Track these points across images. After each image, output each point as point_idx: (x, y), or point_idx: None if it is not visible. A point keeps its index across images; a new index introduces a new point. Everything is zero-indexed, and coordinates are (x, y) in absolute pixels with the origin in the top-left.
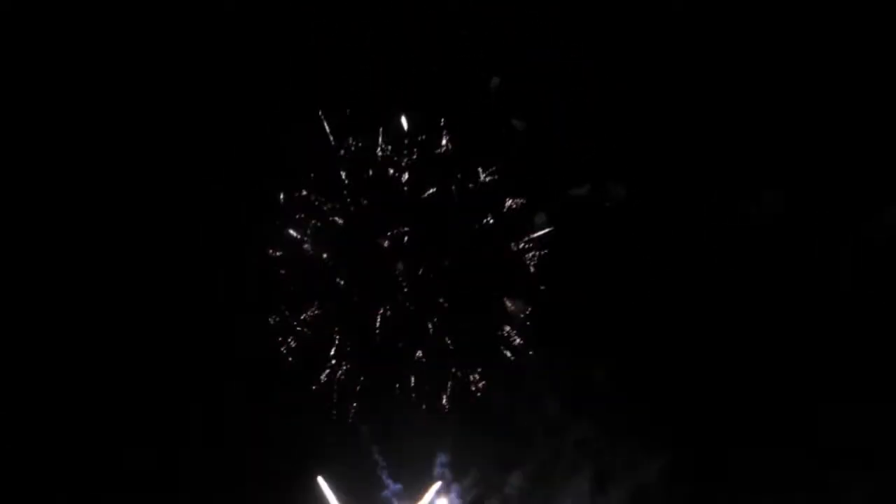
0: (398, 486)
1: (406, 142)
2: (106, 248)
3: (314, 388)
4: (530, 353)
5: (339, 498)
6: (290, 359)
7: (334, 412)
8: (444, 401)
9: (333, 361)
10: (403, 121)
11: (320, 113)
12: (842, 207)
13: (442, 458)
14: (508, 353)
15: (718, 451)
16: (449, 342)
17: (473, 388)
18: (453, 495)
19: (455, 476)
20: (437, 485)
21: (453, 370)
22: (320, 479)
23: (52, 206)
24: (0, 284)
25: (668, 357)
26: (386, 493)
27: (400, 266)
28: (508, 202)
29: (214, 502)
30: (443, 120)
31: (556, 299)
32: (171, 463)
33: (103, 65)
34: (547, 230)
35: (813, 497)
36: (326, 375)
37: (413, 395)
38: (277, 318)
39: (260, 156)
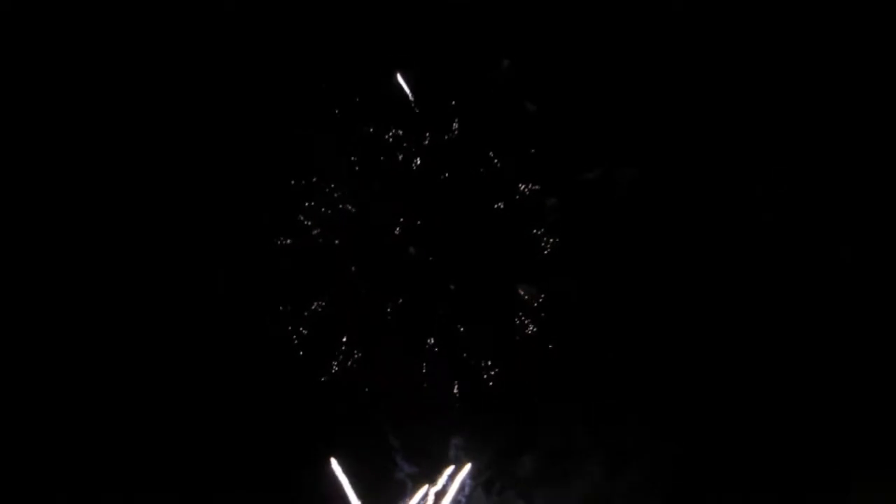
0: (414, 469)
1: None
2: (111, 238)
3: (323, 379)
4: (549, 346)
5: (352, 481)
6: (301, 352)
7: (346, 410)
8: (455, 389)
9: (344, 348)
10: (401, 80)
11: (322, 82)
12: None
13: (456, 441)
14: (521, 337)
15: (732, 439)
16: (461, 328)
17: (486, 376)
18: (467, 477)
19: (469, 458)
20: (452, 467)
21: (464, 355)
22: (333, 462)
23: (63, 199)
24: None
25: (684, 343)
26: (400, 474)
27: (412, 250)
28: (522, 187)
29: (226, 487)
30: (454, 102)
31: (569, 286)
32: (180, 451)
33: (111, 60)
34: (556, 214)
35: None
36: (338, 363)
37: (424, 383)
38: (289, 307)
39: (267, 143)
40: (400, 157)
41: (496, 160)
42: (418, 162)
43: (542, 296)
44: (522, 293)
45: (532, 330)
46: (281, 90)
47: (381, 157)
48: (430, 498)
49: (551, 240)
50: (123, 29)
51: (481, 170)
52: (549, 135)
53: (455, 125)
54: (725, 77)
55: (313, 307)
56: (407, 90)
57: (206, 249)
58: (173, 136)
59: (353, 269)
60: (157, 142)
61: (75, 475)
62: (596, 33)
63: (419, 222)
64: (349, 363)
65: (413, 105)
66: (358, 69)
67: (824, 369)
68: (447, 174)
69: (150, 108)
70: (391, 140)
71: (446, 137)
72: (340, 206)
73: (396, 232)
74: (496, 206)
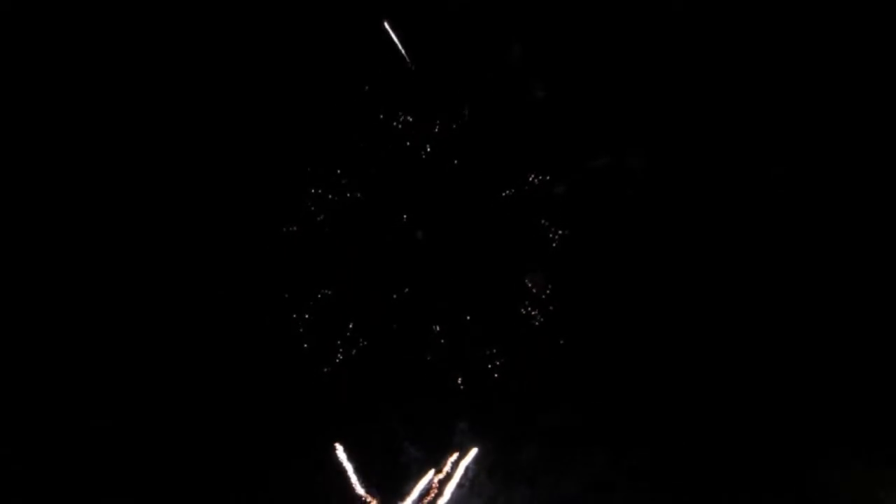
0: (419, 454)
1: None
2: (117, 228)
3: (326, 370)
4: (555, 337)
5: (357, 466)
6: (307, 339)
7: (351, 397)
8: (459, 381)
9: (349, 335)
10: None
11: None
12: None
13: (461, 427)
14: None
15: (736, 429)
16: (468, 317)
17: (490, 366)
18: (472, 462)
19: (474, 444)
20: (457, 453)
21: (470, 344)
22: (338, 448)
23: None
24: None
25: (689, 333)
26: (406, 460)
27: (419, 234)
28: (531, 178)
29: (233, 475)
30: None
31: (577, 278)
32: (186, 441)
33: (117, 49)
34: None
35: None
36: (343, 351)
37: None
38: (294, 295)
39: (274, 130)
40: (408, 144)
41: (505, 147)
42: (428, 149)
43: (549, 286)
44: (529, 284)
45: (539, 321)
46: (287, 79)
47: (389, 145)
48: (435, 483)
49: (560, 232)
50: (125, 20)
51: (490, 157)
52: (559, 121)
53: (465, 111)
54: (737, 62)
55: (319, 296)
56: (397, 42)
57: (212, 238)
58: (179, 126)
59: (359, 256)
60: (163, 130)
61: (88, 467)
62: (606, 16)
63: (427, 209)
64: (354, 351)
65: (409, 62)
66: (363, 55)
67: (832, 368)
68: (455, 161)
69: (154, 99)
70: (400, 126)
71: (454, 126)
72: (348, 193)
73: (404, 218)
74: (504, 193)
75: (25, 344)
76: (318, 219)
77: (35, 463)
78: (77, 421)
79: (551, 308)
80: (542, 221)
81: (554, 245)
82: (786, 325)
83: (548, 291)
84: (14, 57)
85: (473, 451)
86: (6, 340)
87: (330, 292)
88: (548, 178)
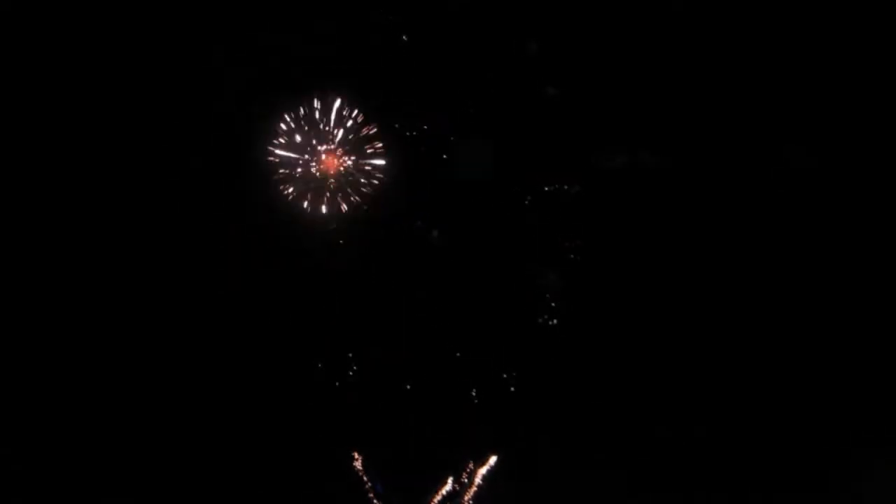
0: (435, 461)
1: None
2: (121, 227)
3: (341, 380)
4: (573, 343)
5: (375, 473)
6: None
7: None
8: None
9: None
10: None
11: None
12: None
13: (480, 428)
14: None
15: (759, 431)
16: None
17: (505, 375)
18: (490, 467)
19: (493, 449)
20: (475, 458)
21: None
22: (355, 455)
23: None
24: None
25: (712, 336)
26: (423, 466)
27: (434, 233)
28: (547, 188)
29: (248, 485)
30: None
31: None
32: (196, 448)
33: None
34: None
35: None
36: (356, 361)
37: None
38: (310, 303)
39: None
40: (422, 149)
41: (516, 148)
42: (443, 156)
43: (564, 289)
44: (545, 290)
45: (553, 323)
46: (290, 78)
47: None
48: (454, 489)
49: (575, 234)
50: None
51: (501, 158)
52: (571, 120)
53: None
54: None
55: (334, 303)
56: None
57: (214, 243)
58: (183, 125)
59: (374, 261)
60: (165, 129)
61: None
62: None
63: (440, 212)
64: (368, 360)
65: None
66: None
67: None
68: (468, 164)
69: (155, 98)
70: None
71: (464, 127)
72: (352, 198)
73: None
74: (517, 195)
75: (25, 344)
76: (332, 227)
77: (35, 463)
78: (77, 421)
79: (567, 312)
80: (557, 224)
81: (571, 254)
82: (813, 323)
83: (563, 296)
84: (14, 57)
85: (493, 459)
86: (6, 340)
87: (344, 299)
88: (561, 181)
